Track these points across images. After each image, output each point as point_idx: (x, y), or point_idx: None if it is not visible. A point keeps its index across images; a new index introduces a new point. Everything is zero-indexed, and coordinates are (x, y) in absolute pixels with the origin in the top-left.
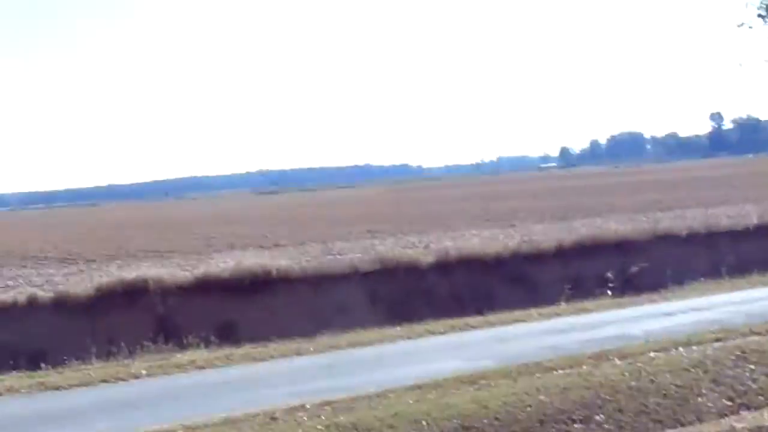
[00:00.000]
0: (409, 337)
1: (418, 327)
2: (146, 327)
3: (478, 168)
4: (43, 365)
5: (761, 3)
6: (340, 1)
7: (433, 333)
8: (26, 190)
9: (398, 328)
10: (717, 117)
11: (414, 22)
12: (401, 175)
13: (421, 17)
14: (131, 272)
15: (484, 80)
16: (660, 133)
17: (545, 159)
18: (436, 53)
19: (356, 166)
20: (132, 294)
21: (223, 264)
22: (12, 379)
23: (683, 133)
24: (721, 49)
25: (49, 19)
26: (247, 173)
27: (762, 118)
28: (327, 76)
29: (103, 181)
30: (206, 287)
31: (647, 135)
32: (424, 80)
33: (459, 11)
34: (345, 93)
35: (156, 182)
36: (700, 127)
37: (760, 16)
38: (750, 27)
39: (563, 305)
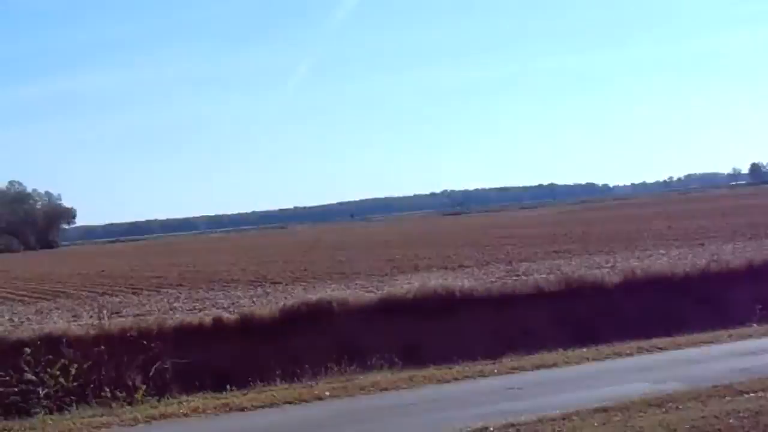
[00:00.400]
0: (594, 359)
1: (604, 348)
2: (330, 349)
3: (666, 186)
4: (228, 387)
5: None
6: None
7: (619, 354)
8: (213, 213)
9: (584, 350)
10: None
11: (592, 32)
12: (587, 194)
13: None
14: (315, 294)
15: (671, 96)
16: None
17: (735, 176)
18: (620, 67)
19: (541, 186)
20: (316, 316)
21: (407, 285)
22: (198, 400)
23: None
24: None
25: None
26: (432, 194)
27: None
28: (512, 95)
29: (290, 204)
30: (390, 309)
31: None
32: (608, 96)
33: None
34: (528, 112)
35: (341, 204)
36: None
37: None
38: None
39: (755, 326)
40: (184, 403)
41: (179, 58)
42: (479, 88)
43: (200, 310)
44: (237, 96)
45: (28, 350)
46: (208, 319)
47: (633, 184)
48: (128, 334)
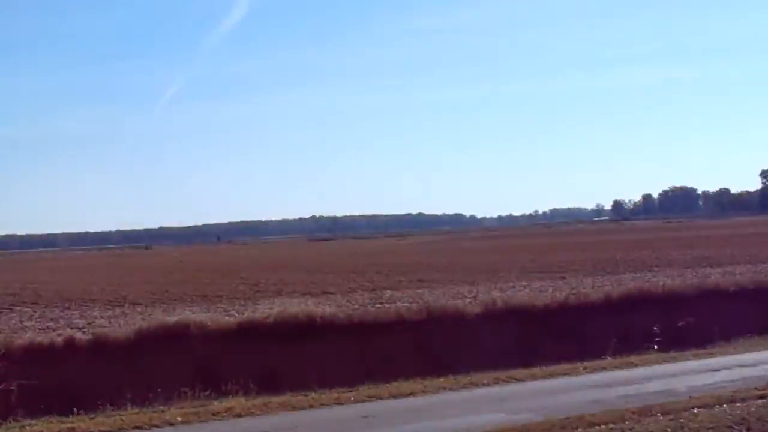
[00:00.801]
0: (451, 389)
1: (461, 378)
2: (186, 373)
3: (532, 219)
4: (75, 410)
5: None
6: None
7: (476, 384)
8: (77, 230)
9: (441, 379)
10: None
11: (464, 66)
12: (455, 224)
13: (471, 61)
14: (174, 317)
15: (539, 132)
16: (712, 188)
17: (598, 212)
18: (491, 102)
19: (410, 215)
20: (173, 339)
21: (267, 310)
22: (42, 423)
23: (735, 189)
24: None
25: None
26: (301, 219)
27: None
28: (385, 124)
29: (155, 224)
30: (249, 333)
31: (699, 190)
32: (478, 129)
33: (510, 62)
34: (400, 141)
35: (208, 225)
36: (751, 183)
37: None
38: None
39: (609, 359)
40: (27, 428)
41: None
42: (351, 115)
43: (53, 330)
44: (106, 112)
45: None
46: (59, 339)
47: (500, 216)
48: None
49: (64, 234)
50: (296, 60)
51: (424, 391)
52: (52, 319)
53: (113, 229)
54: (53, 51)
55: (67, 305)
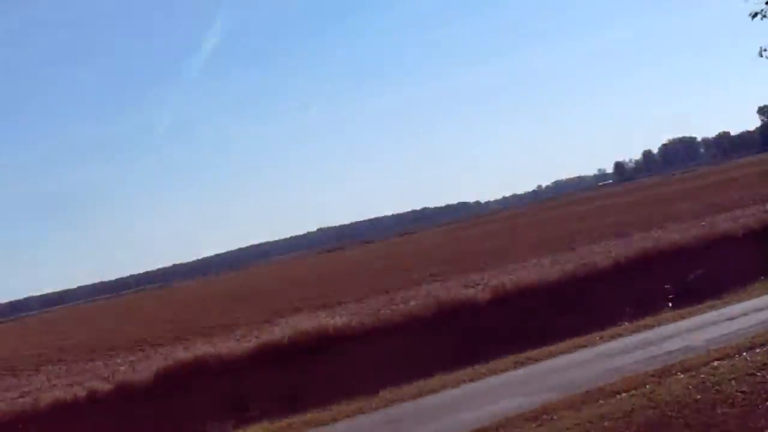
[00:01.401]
0: (472, 380)
1: (481, 368)
2: (210, 406)
3: (536, 195)
4: None
5: None
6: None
7: (494, 372)
8: (91, 282)
9: (461, 372)
10: (766, 110)
11: (445, 47)
12: (460, 213)
13: (444, 31)
14: (192, 352)
15: (530, 106)
16: (711, 134)
17: (601, 176)
18: (475, 85)
19: (414, 211)
20: (193, 374)
21: (280, 331)
22: None
23: (735, 131)
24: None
25: None
26: (307, 233)
27: None
28: (371, 125)
29: (168, 262)
30: (266, 357)
31: (699, 138)
32: (468, 114)
33: (492, 28)
34: (391, 140)
35: (218, 256)
36: (750, 122)
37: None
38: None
39: (625, 324)
40: None
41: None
42: (330, 126)
43: (80, 384)
44: (102, 162)
45: None
46: (82, 393)
47: (504, 197)
48: (1, 422)
49: (80, 288)
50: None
51: (444, 387)
52: (78, 373)
53: (126, 274)
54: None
55: (91, 358)
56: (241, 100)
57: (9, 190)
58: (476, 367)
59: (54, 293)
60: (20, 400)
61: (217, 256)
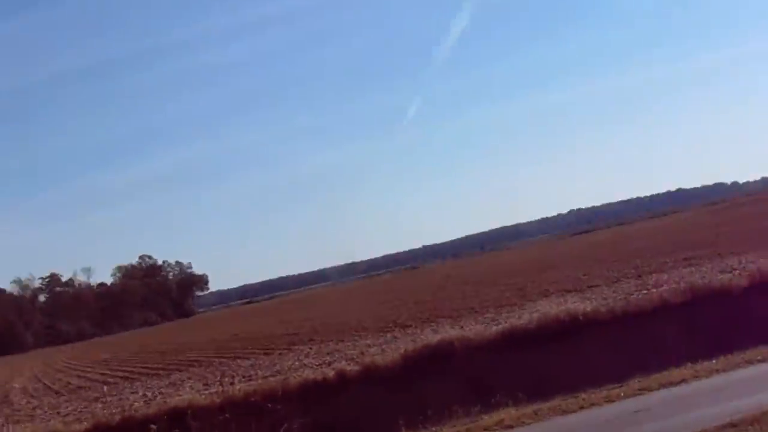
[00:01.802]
0: (724, 370)
1: (734, 357)
2: (455, 390)
3: None
4: None
5: None
6: None
7: (750, 362)
8: (344, 262)
9: (713, 361)
10: None
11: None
12: (717, 194)
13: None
14: (439, 335)
15: None
16: None
17: None
18: (733, 62)
19: (669, 192)
20: (439, 358)
21: (528, 315)
22: None
23: None
24: None
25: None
26: (559, 215)
27: None
28: (624, 102)
29: (418, 243)
30: (512, 342)
31: None
32: (723, 92)
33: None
34: (649, 118)
35: (470, 237)
36: None
37: None
38: None
39: None
40: None
41: (289, 113)
42: (588, 106)
43: (329, 365)
44: (352, 143)
45: (154, 426)
46: (331, 374)
47: (763, 178)
48: (252, 399)
49: (332, 268)
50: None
51: (695, 377)
52: (327, 354)
53: (379, 255)
54: (298, 93)
55: (341, 338)
56: (485, 85)
57: (260, 175)
58: (729, 357)
59: (306, 273)
60: (271, 378)
61: (467, 237)
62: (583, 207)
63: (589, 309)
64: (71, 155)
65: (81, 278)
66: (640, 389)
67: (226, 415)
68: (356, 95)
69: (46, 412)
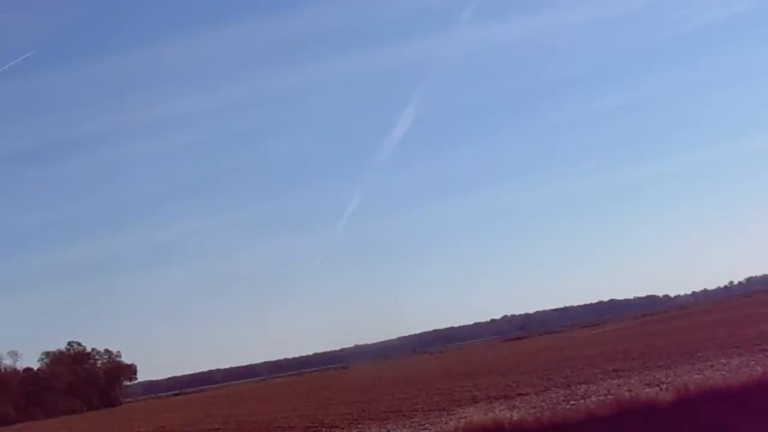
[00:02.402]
0: None
1: None
2: None
3: (727, 291)
4: None
5: None
6: None
7: None
8: (276, 358)
9: None
10: None
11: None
12: (649, 306)
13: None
14: None
15: (725, 199)
16: None
17: None
18: (659, 178)
19: (601, 303)
20: None
21: (455, 422)
22: None
23: None
24: None
25: None
26: (492, 320)
27: None
28: (562, 213)
29: (349, 342)
30: None
31: None
32: (665, 204)
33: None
34: (584, 227)
35: (402, 338)
36: None
37: None
38: None
39: None
40: None
41: (223, 205)
42: (523, 210)
43: None
44: (286, 238)
45: None
46: None
47: (694, 293)
48: None
49: (264, 363)
50: (465, 162)
51: None
52: None
53: (310, 353)
54: (235, 186)
55: None
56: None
57: (193, 266)
58: None
59: (236, 368)
60: None
61: (399, 339)
62: (517, 313)
63: (515, 418)
64: (5, 236)
65: (7, 362)
66: None
67: None
68: (295, 190)
69: None
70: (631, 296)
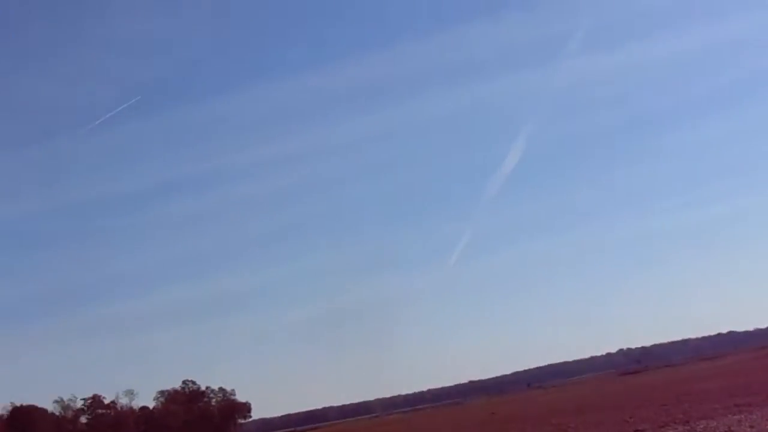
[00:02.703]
0: None
1: None
2: None
3: None
4: None
5: None
6: None
7: None
8: (389, 395)
9: None
10: None
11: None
12: None
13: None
14: None
15: None
16: None
17: None
18: None
19: (720, 335)
20: None
21: None
22: None
23: None
24: None
25: None
26: (608, 354)
27: None
28: (681, 244)
29: (464, 378)
30: None
31: None
32: None
33: None
34: (703, 258)
35: (517, 373)
36: None
37: None
38: None
39: None
40: None
41: (336, 242)
42: (636, 242)
43: None
44: (399, 275)
45: None
46: None
47: None
48: None
49: (377, 400)
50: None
51: None
52: None
53: (424, 389)
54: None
55: None
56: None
57: (306, 306)
58: None
59: (349, 405)
60: None
61: (513, 374)
62: (633, 347)
63: None
64: (118, 279)
65: (123, 401)
66: None
67: None
68: (406, 227)
69: None
70: (751, 327)
